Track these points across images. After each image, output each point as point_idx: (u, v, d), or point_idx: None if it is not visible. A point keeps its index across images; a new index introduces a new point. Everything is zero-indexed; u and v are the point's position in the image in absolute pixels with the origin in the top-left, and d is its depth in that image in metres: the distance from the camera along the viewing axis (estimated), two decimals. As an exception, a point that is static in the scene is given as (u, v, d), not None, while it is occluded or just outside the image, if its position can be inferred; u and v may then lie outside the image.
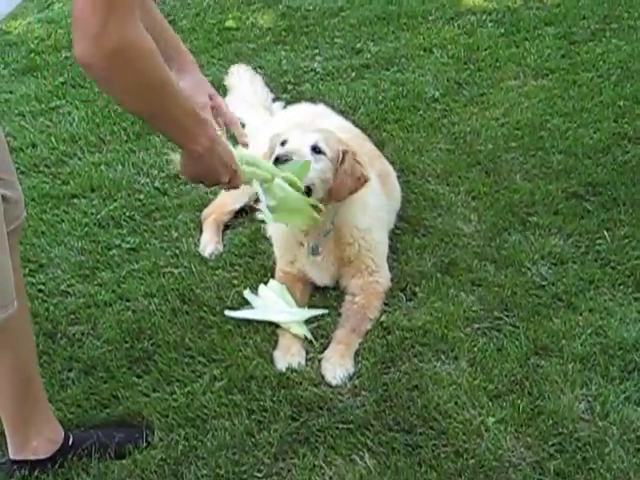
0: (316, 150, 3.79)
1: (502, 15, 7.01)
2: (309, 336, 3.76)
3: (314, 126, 4.08)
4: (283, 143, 3.82)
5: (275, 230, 4.18)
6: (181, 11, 7.53)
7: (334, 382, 3.56)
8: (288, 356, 3.68)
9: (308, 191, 3.70)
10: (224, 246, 4.41)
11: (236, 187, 2.83)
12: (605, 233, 4.30)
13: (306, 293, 4.08)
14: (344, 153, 3.85)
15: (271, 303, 3.88)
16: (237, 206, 4.60)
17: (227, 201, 4.58)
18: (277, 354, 3.70)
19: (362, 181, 3.89)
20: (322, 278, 4.09)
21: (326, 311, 3.92)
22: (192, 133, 2.48)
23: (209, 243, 4.41)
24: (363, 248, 4.01)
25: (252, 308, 3.90)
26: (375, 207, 4.11)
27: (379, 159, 4.48)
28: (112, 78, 2.16)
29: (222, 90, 5.49)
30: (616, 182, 4.69)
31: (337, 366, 3.62)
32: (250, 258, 4.33)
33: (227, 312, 3.89)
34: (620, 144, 5.11)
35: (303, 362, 3.67)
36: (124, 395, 3.55)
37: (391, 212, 4.40)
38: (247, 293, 3.95)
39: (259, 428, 3.37)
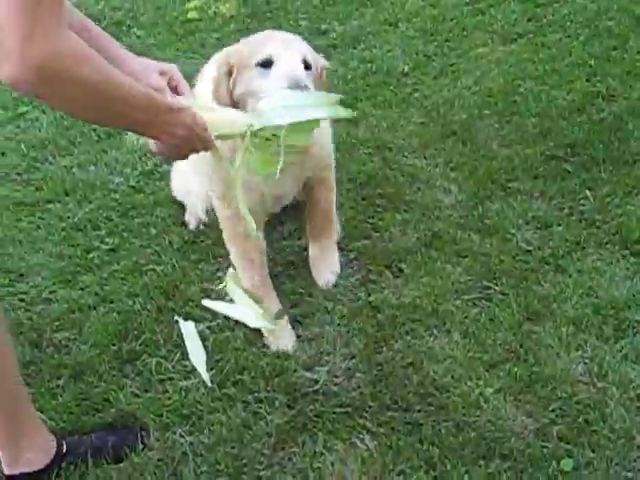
0: (305, 66, 3.19)
1: (465, -17, 6.97)
2: (270, 327, 3.66)
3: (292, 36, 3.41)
4: (267, 64, 3.19)
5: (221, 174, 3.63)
6: (142, 6, 7.43)
7: (329, 286, 3.95)
8: (279, 341, 3.66)
9: None
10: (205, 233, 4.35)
11: (208, 150, 2.76)
12: (587, 193, 4.28)
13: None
14: (322, 69, 3.42)
15: (238, 299, 3.77)
16: None
17: None
18: (269, 340, 3.67)
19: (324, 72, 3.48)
20: (283, 188, 3.74)
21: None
22: (164, 129, 2.42)
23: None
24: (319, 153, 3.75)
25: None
26: None
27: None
28: (49, 93, 2.07)
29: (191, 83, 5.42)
30: (594, 141, 4.66)
31: (327, 272, 3.99)
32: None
33: (204, 302, 3.82)
34: (594, 103, 5.08)
35: (294, 344, 3.66)
36: (116, 398, 3.50)
37: None
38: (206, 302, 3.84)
39: (256, 419, 3.34)
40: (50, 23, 1.94)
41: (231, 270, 3.78)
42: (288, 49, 3.20)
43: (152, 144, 2.63)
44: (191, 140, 2.53)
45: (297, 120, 2.86)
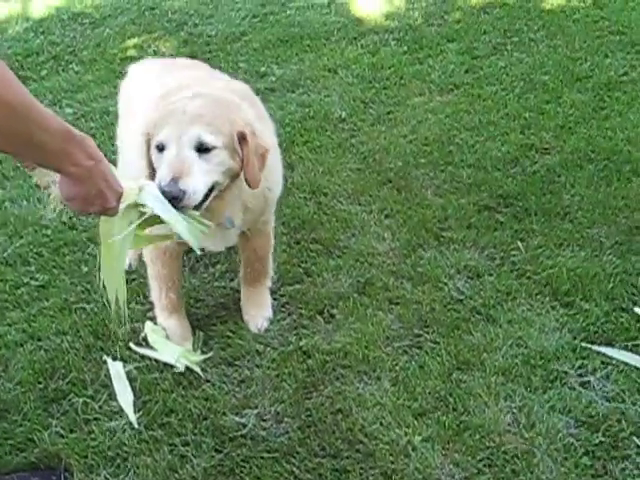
0: (202, 148, 3.09)
1: (404, 33, 7.06)
2: (196, 369, 3.63)
3: (191, 107, 3.18)
4: (161, 148, 3.15)
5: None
6: (81, 42, 7.43)
7: (260, 331, 3.95)
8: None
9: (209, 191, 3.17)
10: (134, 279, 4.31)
11: (116, 212, 2.60)
12: (519, 244, 4.32)
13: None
14: (241, 135, 3.18)
15: (160, 344, 3.76)
16: None
17: None
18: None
19: (265, 156, 3.33)
20: (216, 245, 3.72)
21: (208, 355, 3.75)
22: (67, 153, 2.30)
23: None
24: (269, 200, 3.70)
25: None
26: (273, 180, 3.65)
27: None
28: None
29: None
30: (526, 193, 4.72)
31: (259, 317, 3.98)
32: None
33: (132, 345, 3.79)
34: (528, 155, 5.15)
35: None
36: (40, 437, 3.44)
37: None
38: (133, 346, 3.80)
39: (182, 463, 3.30)
40: None
41: (148, 323, 3.77)
42: (181, 137, 3.08)
43: (57, 199, 2.53)
44: (96, 177, 2.38)
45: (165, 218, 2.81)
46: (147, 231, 2.91)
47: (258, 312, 4.00)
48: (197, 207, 3.02)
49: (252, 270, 4.02)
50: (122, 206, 2.63)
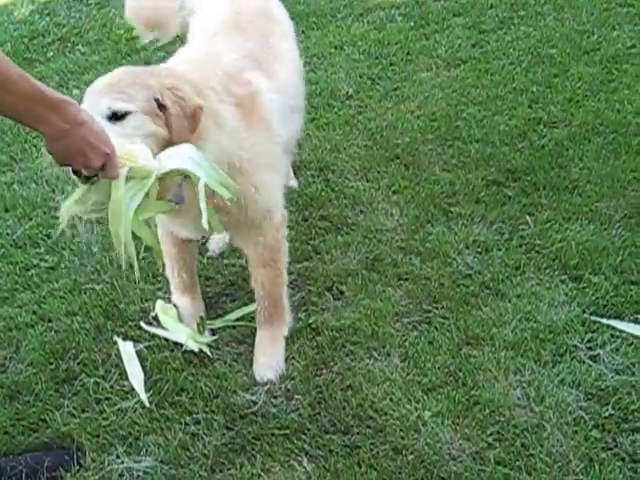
0: (117, 116, 2.96)
1: (411, 9, 7.01)
2: (205, 350, 3.69)
3: (104, 79, 3.12)
4: None
5: None
6: (87, 23, 7.41)
7: (265, 382, 3.56)
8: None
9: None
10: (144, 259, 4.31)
11: (113, 175, 2.70)
12: (527, 218, 4.31)
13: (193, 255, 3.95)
14: (157, 100, 3.05)
15: (171, 325, 3.81)
16: None
17: None
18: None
19: (199, 112, 3.11)
20: (190, 231, 3.61)
21: (214, 337, 3.81)
22: (36, 114, 2.39)
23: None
24: (231, 200, 3.21)
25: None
26: (235, 148, 3.33)
27: (236, 81, 3.50)
28: None
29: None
30: (534, 167, 4.71)
31: (266, 368, 3.61)
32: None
33: (143, 324, 3.82)
34: (536, 129, 5.13)
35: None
36: (52, 418, 3.46)
37: (271, 142, 3.59)
38: (144, 325, 3.87)
39: (193, 441, 3.31)
40: None
41: (159, 302, 3.82)
42: (93, 109, 2.90)
43: (44, 146, 2.60)
44: (73, 139, 2.49)
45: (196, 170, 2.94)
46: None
47: (266, 361, 3.66)
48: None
49: (263, 309, 3.75)
50: (124, 170, 2.74)
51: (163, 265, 3.79)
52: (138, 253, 3.01)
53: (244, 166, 3.34)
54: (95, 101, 2.98)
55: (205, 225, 2.94)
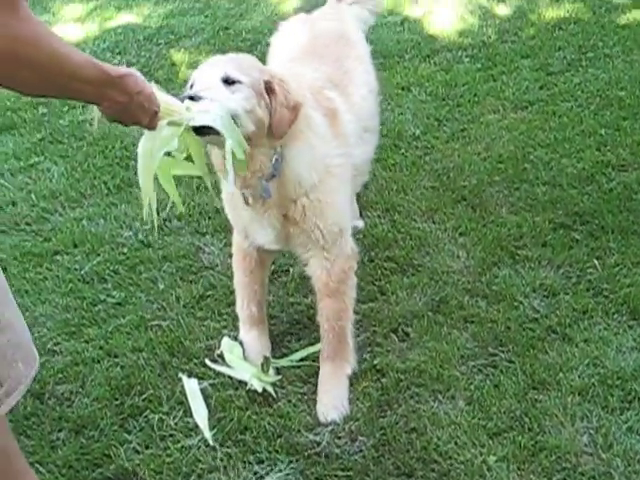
0: (229, 81, 3.20)
1: (478, 50, 7.04)
2: (269, 389, 3.69)
3: (230, 55, 3.53)
4: (192, 85, 3.27)
5: (225, 195, 3.77)
6: (157, 62, 7.51)
7: (329, 422, 3.54)
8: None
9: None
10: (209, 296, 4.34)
11: (153, 127, 2.81)
12: (595, 262, 4.27)
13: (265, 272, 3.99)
14: (268, 83, 3.30)
15: (236, 363, 3.82)
16: None
17: None
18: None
19: (299, 106, 3.37)
20: (267, 236, 3.62)
21: (279, 376, 3.79)
22: (102, 95, 2.46)
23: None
24: (308, 210, 3.51)
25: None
26: (323, 154, 3.52)
27: (322, 93, 3.75)
28: (9, 78, 2.11)
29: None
30: (602, 210, 4.67)
31: (330, 408, 3.58)
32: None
33: (207, 362, 3.83)
34: (604, 172, 5.10)
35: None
36: (116, 453, 3.47)
37: (348, 159, 3.73)
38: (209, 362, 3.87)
39: (256, 480, 3.31)
40: (8, 9, 1.97)
41: (225, 339, 3.83)
42: (210, 73, 3.26)
43: (96, 109, 2.67)
44: (131, 107, 2.59)
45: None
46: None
47: (330, 401, 3.62)
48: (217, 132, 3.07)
49: (327, 344, 3.73)
50: (163, 122, 2.84)
51: (232, 301, 3.84)
52: (158, 210, 3.23)
53: (320, 175, 3.51)
54: (215, 66, 3.30)
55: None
